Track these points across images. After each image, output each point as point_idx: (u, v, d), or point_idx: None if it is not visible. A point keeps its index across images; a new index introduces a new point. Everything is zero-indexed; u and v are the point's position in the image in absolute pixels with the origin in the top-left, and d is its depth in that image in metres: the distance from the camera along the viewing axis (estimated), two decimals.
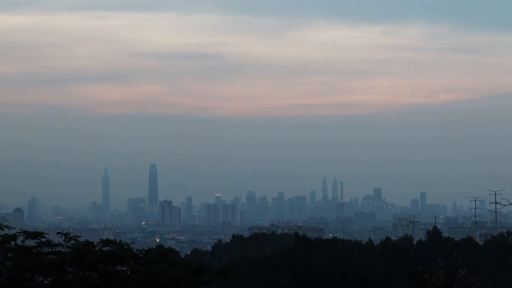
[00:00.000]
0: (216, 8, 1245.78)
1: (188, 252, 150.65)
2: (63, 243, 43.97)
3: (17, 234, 43.44)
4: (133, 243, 47.41)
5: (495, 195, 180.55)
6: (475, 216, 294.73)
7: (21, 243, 43.35)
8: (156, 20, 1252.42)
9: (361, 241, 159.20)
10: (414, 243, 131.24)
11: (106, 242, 44.07)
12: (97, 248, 43.57)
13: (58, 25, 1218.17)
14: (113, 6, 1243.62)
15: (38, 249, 43.31)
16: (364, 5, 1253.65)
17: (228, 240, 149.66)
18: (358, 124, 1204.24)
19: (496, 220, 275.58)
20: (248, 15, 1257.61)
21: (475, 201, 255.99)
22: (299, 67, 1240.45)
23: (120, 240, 45.36)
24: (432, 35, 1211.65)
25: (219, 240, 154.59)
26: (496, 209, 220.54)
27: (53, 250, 43.58)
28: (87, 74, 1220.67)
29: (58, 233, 45.29)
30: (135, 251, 44.39)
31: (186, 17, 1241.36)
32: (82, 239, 44.84)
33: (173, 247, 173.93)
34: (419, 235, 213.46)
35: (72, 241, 43.95)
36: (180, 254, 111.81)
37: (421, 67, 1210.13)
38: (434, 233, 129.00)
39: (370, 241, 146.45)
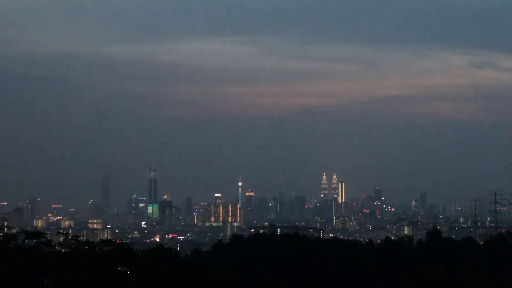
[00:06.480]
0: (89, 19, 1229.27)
1: (188, 252, 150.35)
2: (63, 243, 43.98)
3: (17, 234, 43.42)
4: (133, 243, 47.42)
5: (495, 195, 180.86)
6: (475, 216, 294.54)
7: (21, 243, 43.33)
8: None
9: (361, 241, 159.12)
10: (414, 243, 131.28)
11: (106, 242, 44.09)
12: (97, 248, 43.58)
13: None
14: None
15: (38, 249, 43.29)
16: (232, 16, 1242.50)
17: (228, 240, 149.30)
18: (352, 121, 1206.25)
19: (496, 220, 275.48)
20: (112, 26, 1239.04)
21: (475, 201, 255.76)
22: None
23: (120, 240, 45.36)
24: (302, 44, 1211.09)
25: (219, 240, 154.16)
26: (496, 209, 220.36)
27: (53, 250, 43.58)
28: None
29: (58, 233, 45.31)
30: (135, 251, 44.41)
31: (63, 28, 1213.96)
32: (82, 239, 44.85)
33: (173, 247, 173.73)
34: (419, 235, 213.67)
35: (72, 241, 43.96)
36: (180, 254, 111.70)
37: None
38: (434, 233, 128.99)
39: (370, 241, 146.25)
